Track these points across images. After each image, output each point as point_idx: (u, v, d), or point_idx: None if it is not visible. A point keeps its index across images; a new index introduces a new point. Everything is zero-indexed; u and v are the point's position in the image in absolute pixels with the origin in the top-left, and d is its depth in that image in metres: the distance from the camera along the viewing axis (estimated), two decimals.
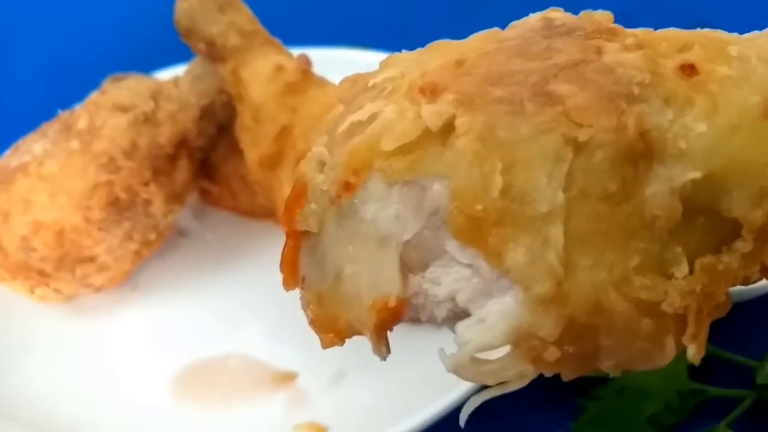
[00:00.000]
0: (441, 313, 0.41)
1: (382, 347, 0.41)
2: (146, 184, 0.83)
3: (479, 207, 0.37)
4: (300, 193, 0.43)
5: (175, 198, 0.87)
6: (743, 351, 0.74)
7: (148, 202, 0.83)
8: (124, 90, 0.86)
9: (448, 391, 0.64)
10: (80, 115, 0.84)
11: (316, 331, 0.43)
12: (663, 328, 0.37)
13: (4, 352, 0.82)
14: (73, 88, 0.94)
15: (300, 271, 0.44)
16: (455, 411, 0.64)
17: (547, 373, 0.38)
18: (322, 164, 0.43)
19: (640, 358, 0.38)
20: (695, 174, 0.37)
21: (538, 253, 0.36)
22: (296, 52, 0.87)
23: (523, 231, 0.36)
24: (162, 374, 0.79)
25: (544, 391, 0.75)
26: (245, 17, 0.88)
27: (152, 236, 0.85)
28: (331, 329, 0.43)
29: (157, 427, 0.75)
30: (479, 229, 0.37)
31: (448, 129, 0.38)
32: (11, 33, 1.40)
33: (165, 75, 0.97)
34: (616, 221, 0.37)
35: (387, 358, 0.42)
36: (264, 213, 0.91)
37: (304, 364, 0.77)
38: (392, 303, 0.40)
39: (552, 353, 0.37)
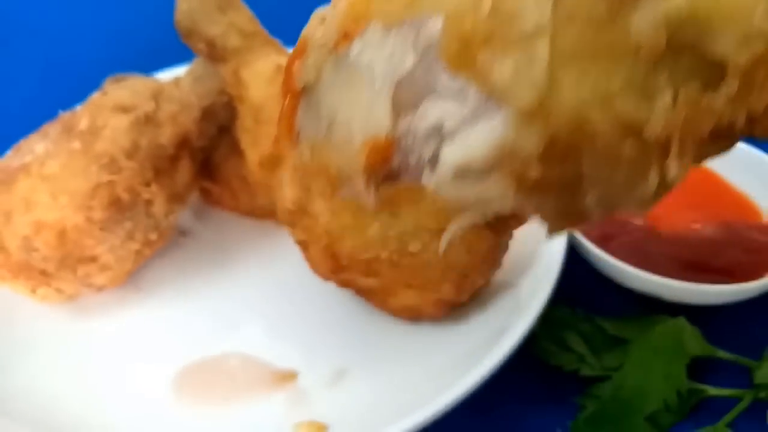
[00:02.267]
0: (428, 151, 0.40)
1: (371, 192, 0.42)
2: (148, 185, 0.83)
3: (468, 27, 0.37)
4: (300, 51, 0.43)
5: (176, 198, 0.87)
6: (741, 351, 0.75)
7: (149, 203, 0.83)
8: (125, 90, 0.86)
9: (449, 390, 0.65)
10: (81, 115, 0.84)
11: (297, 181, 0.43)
12: (646, 155, 0.37)
13: (6, 352, 0.82)
14: (74, 89, 0.94)
15: (295, 128, 0.44)
16: (456, 409, 0.64)
17: (530, 204, 0.38)
18: (322, 20, 0.43)
19: (624, 191, 0.38)
20: (680, 1, 0.36)
21: (523, 68, 0.36)
22: None
23: (510, 48, 0.36)
24: (163, 374, 0.79)
25: (543, 390, 0.75)
26: (246, 18, 0.88)
27: (154, 236, 0.85)
28: (321, 174, 0.43)
29: (157, 427, 0.75)
30: (468, 51, 0.37)
31: None
32: (12, 33, 1.40)
33: (166, 76, 0.98)
34: (602, 44, 0.36)
35: (374, 207, 0.42)
36: (264, 213, 0.91)
37: (304, 363, 0.77)
38: (381, 141, 0.40)
39: (534, 170, 0.37)
